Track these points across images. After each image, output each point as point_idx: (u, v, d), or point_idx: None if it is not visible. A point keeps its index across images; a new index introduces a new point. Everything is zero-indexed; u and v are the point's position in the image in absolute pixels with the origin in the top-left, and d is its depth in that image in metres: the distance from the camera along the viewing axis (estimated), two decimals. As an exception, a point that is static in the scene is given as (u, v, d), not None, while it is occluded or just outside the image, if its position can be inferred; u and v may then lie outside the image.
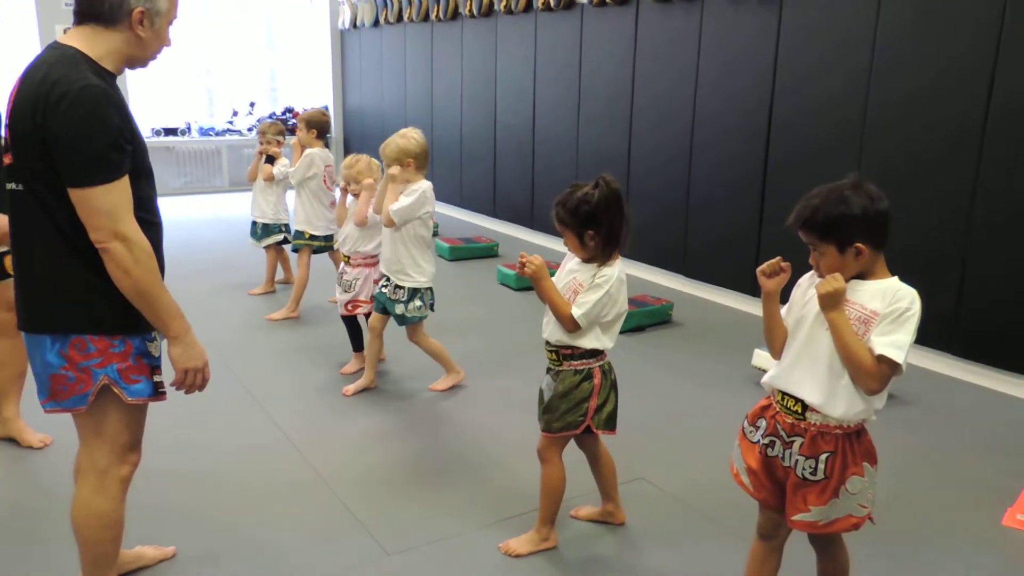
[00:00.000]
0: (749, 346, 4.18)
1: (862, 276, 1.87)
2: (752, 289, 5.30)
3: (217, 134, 10.58)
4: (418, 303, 3.68)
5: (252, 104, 10.92)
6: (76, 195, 1.77)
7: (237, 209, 8.94)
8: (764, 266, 1.97)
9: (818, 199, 1.86)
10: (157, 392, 2.01)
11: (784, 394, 1.94)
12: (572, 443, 2.59)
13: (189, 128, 10.47)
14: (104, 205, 1.78)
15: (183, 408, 2.89)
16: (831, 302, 1.82)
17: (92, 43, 1.86)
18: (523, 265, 2.41)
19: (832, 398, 1.85)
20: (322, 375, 4.09)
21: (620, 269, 2.41)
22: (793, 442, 1.92)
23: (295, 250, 5.11)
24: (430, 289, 3.75)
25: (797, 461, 1.91)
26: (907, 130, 4.30)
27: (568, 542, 2.63)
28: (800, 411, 1.90)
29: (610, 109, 6.39)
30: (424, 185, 3.62)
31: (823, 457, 1.88)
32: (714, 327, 5.06)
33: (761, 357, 4.00)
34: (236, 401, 3.72)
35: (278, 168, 5.27)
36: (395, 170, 3.57)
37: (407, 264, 3.65)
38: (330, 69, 11.21)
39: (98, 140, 1.77)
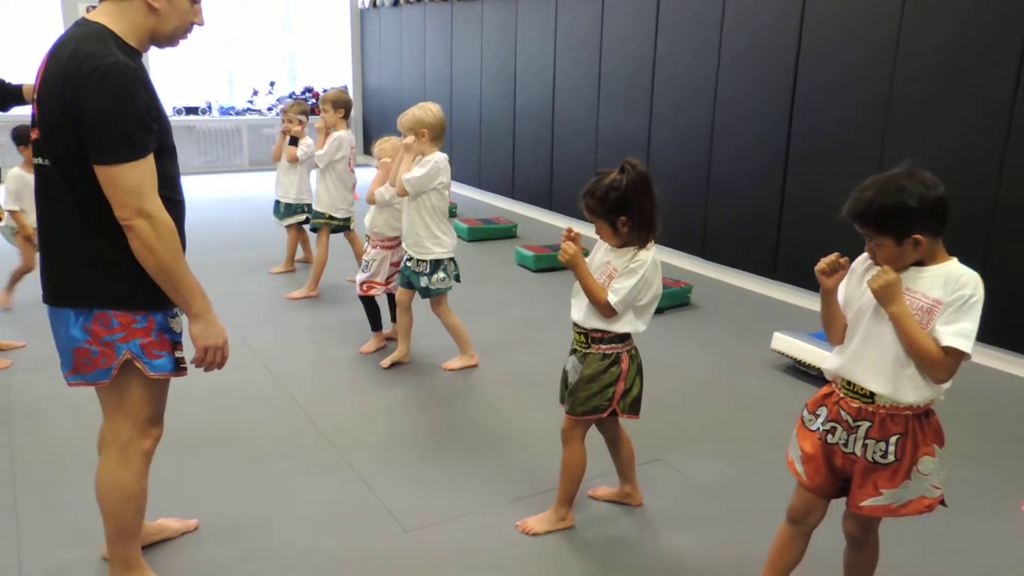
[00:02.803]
0: (768, 329, 4.16)
1: (921, 262, 1.82)
2: (771, 272, 5.27)
3: (237, 113, 10.61)
4: (441, 275, 3.70)
5: (272, 83, 10.94)
6: (102, 172, 1.79)
7: (257, 188, 8.98)
8: (823, 264, 1.91)
9: (871, 191, 1.79)
10: (178, 368, 2.04)
11: (851, 381, 1.91)
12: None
13: (210, 107, 10.51)
14: (129, 183, 1.79)
15: (204, 384, 2.92)
16: (887, 296, 1.78)
17: (116, 19, 1.87)
18: (561, 247, 2.40)
19: (900, 387, 1.82)
20: (341, 352, 4.11)
21: (654, 253, 2.40)
22: (859, 427, 1.88)
23: (314, 230, 5.13)
24: (453, 260, 3.76)
25: (866, 445, 1.87)
26: (934, 106, 4.24)
27: (585, 522, 2.64)
28: (869, 395, 1.86)
29: (631, 90, 6.34)
30: (437, 156, 3.63)
31: (893, 439, 1.85)
32: (733, 310, 5.03)
33: (780, 340, 3.98)
34: (256, 378, 3.76)
35: (302, 150, 5.29)
36: (409, 139, 3.61)
37: (424, 236, 3.67)
38: (350, 48, 11.19)
39: (126, 118, 1.78)
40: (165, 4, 1.90)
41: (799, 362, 3.88)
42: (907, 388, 1.82)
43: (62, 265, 1.92)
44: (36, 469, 2.90)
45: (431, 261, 3.70)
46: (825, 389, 2.01)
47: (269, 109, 10.78)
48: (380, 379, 3.81)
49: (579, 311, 2.46)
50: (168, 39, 1.97)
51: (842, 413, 1.92)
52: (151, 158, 1.84)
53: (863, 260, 1.94)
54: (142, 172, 1.81)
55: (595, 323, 2.41)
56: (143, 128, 1.81)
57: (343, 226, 5.08)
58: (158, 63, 9.88)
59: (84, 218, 1.86)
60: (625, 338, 2.45)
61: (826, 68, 4.79)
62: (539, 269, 5.79)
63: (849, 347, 1.92)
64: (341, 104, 4.98)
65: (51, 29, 9.24)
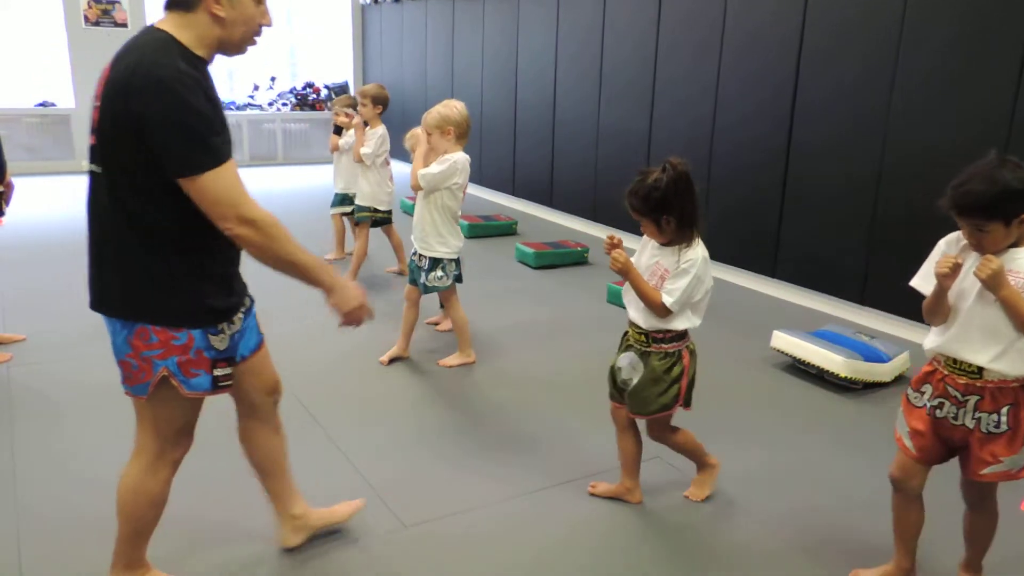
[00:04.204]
0: (767, 327, 4.16)
1: (1014, 244, 1.95)
2: (771, 270, 5.28)
3: (238, 108, 10.60)
4: (439, 273, 3.71)
5: (272, 78, 10.92)
6: (189, 186, 1.76)
7: (257, 183, 8.96)
8: (945, 268, 1.96)
9: (976, 184, 1.90)
10: (217, 386, 1.99)
11: (956, 359, 2.03)
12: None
13: (210, 102, 10.48)
14: (219, 193, 1.77)
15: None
16: (996, 283, 1.89)
17: (181, 29, 1.83)
18: (611, 256, 2.44)
19: (1010, 361, 1.95)
20: (343, 347, 4.10)
21: (703, 248, 2.45)
22: (967, 401, 2.02)
23: (358, 222, 5.22)
24: (454, 261, 3.77)
25: (979, 418, 2.01)
26: (935, 106, 4.24)
27: (584, 519, 2.65)
28: (976, 370, 1.99)
29: (632, 88, 6.33)
30: (458, 156, 3.64)
31: (1004, 410, 1.99)
32: (732, 308, 5.03)
33: (779, 338, 3.98)
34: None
35: (344, 139, 5.44)
36: (416, 130, 3.68)
37: (430, 233, 3.68)
38: (351, 44, 11.18)
39: (196, 127, 1.74)
40: (230, 11, 1.85)
41: (798, 360, 3.89)
42: (1017, 361, 1.96)
43: (105, 273, 1.91)
44: (37, 464, 2.90)
45: (431, 259, 3.71)
46: (927, 368, 2.13)
47: (270, 104, 10.77)
48: (379, 375, 3.81)
49: (637, 311, 2.51)
50: (236, 47, 1.93)
51: (949, 389, 2.05)
52: (232, 163, 1.81)
53: (957, 243, 2.05)
54: (228, 178, 1.78)
55: (654, 323, 2.47)
56: (215, 134, 1.78)
57: (385, 219, 5.20)
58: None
59: (129, 228, 1.83)
60: (684, 335, 2.52)
61: (827, 66, 4.78)
62: (539, 266, 5.80)
63: (952, 327, 2.04)
64: (380, 100, 5.10)
65: (52, 27, 9.23)
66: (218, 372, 1.98)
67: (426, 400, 3.57)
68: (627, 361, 2.57)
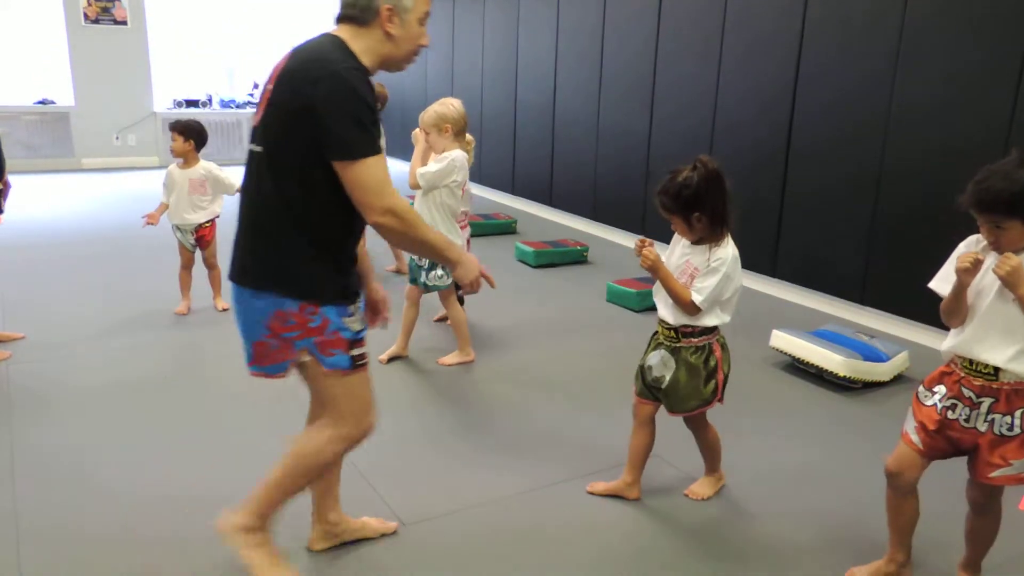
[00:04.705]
0: (766, 326, 4.16)
1: None
2: (771, 270, 5.28)
3: (238, 106, 10.60)
4: (439, 272, 3.72)
5: (272, 77, 10.92)
6: (345, 171, 1.86)
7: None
8: (967, 264, 1.96)
9: (996, 181, 1.91)
10: (355, 365, 2.07)
11: (972, 359, 2.02)
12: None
13: (210, 100, 10.49)
14: (371, 181, 1.87)
15: (207, 377, 2.91)
16: (1014, 280, 1.89)
17: (353, 40, 1.97)
18: (641, 254, 2.44)
19: None
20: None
21: (733, 247, 2.46)
22: (982, 403, 2.02)
23: None
24: None
25: (992, 420, 2.01)
26: (935, 108, 4.24)
27: (580, 517, 2.66)
28: (993, 372, 1.99)
29: (632, 88, 6.34)
30: (456, 154, 3.65)
31: (1018, 412, 1.99)
32: (732, 308, 5.04)
33: (779, 338, 3.99)
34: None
35: None
36: (417, 131, 3.72)
37: None
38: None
39: (360, 115, 1.86)
40: (400, 30, 1.98)
41: (798, 360, 3.89)
42: None
43: (251, 245, 2.01)
44: (36, 463, 2.89)
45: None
46: (942, 368, 2.13)
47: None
48: (379, 373, 3.80)
49: (666, 309, 2.53)
50: (398, 64, 2.06)
51: (964, 391, 2.04)
52: (384, 157, 1.92)
53: (977, 244, 2.05)
54: (380, 168, 1.89)
55: (683, 319, 2.49)
56: (375, 124, 1.89)
57: None
58: (159, 55, 9.86)
59: (279, 206, 1.93)
60: (713, 329, 2.53)
61: (828, 68, 4.79)
62: (539, 265, 5.81)
63: (969, 328, 2.03)
64: (380, 99, 5.38)
65: (52, 25, 9.23)
66: (355, 352, 2.07)
67: (425, 398, 3.57)
68: (657, 359, 2.58)
